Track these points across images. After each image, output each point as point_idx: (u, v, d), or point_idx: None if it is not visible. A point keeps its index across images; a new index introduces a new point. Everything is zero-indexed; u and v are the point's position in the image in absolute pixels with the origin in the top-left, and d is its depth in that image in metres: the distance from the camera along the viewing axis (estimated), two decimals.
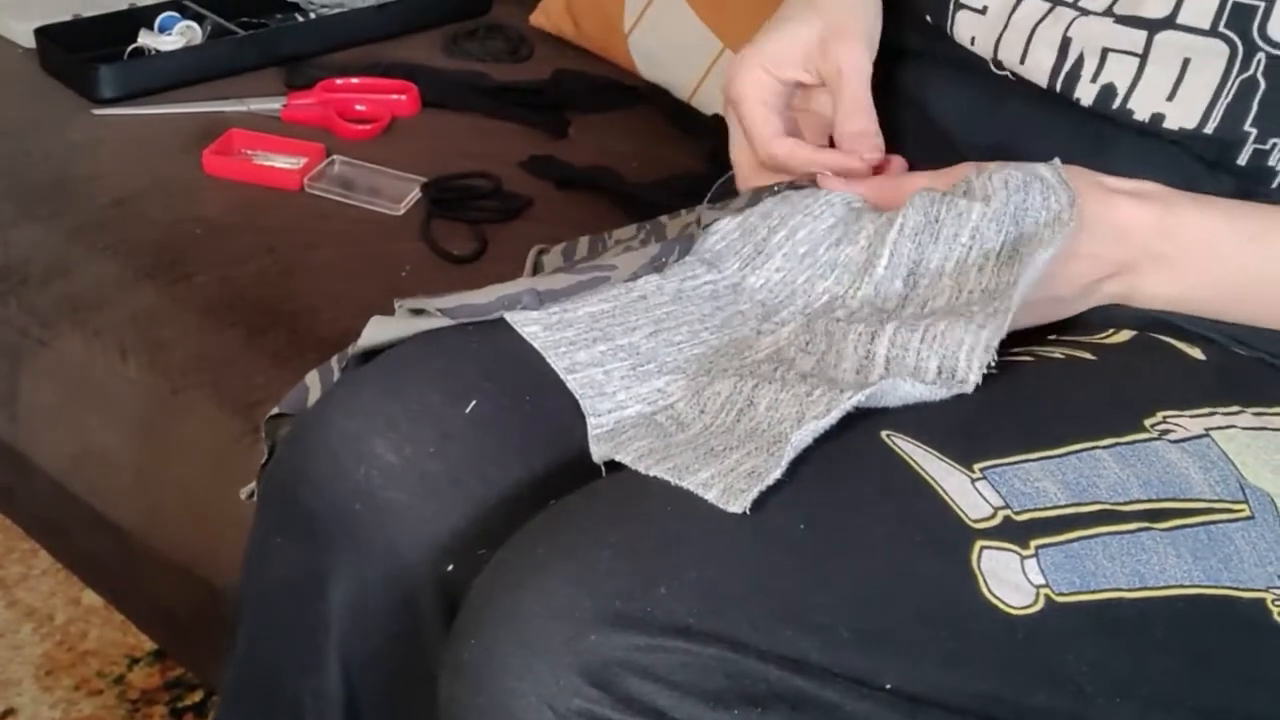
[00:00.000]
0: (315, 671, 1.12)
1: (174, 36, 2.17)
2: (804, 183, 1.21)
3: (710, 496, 0.94)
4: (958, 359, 1.05)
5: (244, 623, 1.17)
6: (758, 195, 1.21)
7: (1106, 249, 1.12)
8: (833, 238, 1.16)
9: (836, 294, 1.14)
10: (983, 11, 1.22)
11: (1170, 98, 1.13)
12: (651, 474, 0.98)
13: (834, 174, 1.21)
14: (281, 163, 1.92)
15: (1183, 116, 1.13)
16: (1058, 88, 1.18)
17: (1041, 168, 1.12)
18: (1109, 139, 1.19)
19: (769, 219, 1.18)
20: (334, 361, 1.19)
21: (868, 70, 1.27)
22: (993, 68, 1.24)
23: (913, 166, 1.28)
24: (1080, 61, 1.16)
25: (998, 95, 1.25)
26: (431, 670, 0.97)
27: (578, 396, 1.09)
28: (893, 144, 1.29)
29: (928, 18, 1.27)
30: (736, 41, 2.06)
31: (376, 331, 1.16)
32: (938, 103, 1.29)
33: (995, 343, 1.04)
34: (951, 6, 1.24)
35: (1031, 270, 1.06)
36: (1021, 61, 1.20)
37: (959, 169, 1.16)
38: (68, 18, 2.21)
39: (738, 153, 1.31)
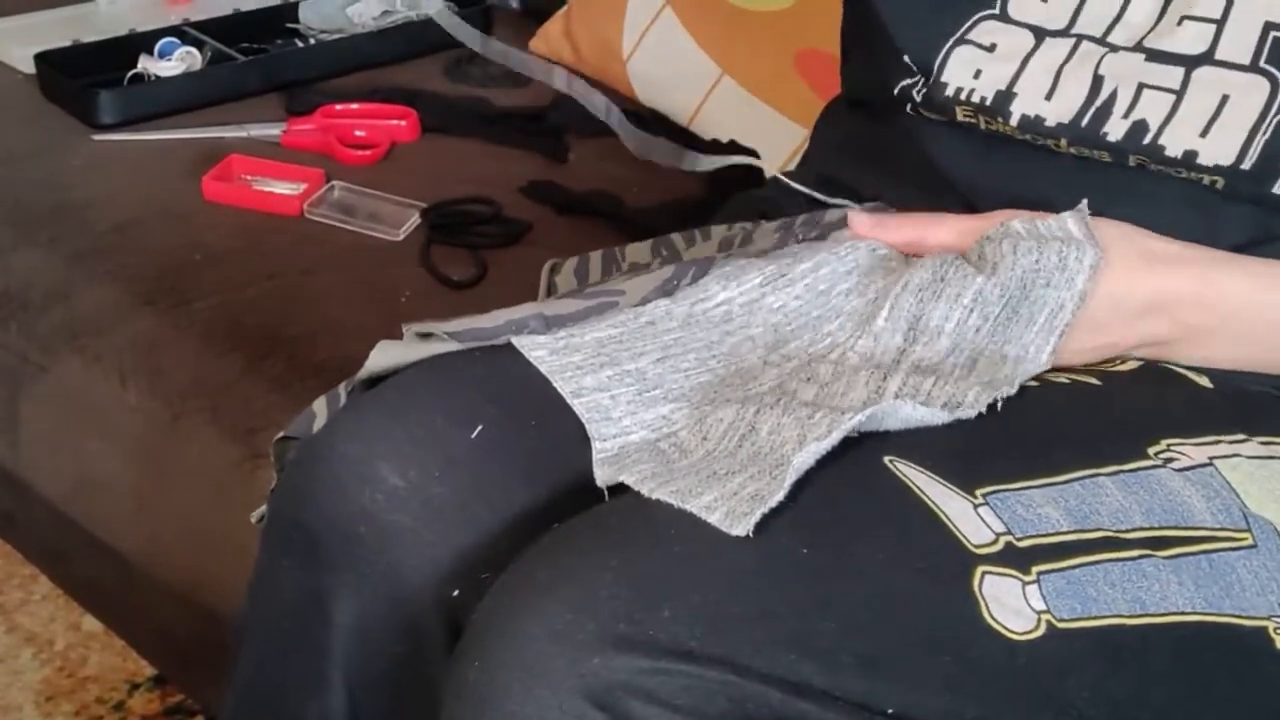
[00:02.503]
0: (319, 694, 1.12)
1: (174, 62, 2.17)
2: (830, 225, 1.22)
3: (713, 520, 0.94)
4: (965, 396, 1.05)
5: (247, 646, 1.17)
6: (783, 240, 1.21)
7: (1135, 326, 1.13)
8: (847, 284, 1.16)
9: (838, 340, 1.14)
10: (990, 49, 1.22)
11: (1204, 134, 1.12)
12: (655, 497, 0.98)
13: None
14: (281, 188, 1.93)
15: (1218, 153, 1.12)
16: (1083, 124, 1.17)
17: (1070, 222, 1.12)
18: (1113, 178, 1.18)
19: (797, 254, 1.18)
20: (341, 388, 1.19)
21: None
22: (981, 122, 1.24)
23: (909, 207, 1.28)
24: (1113, 97, 1.16)
25: (990, 143, 1.25)
26: (435, 694, 0.97)
27: (584, 421, 1.09)
28: (894, 185, 1.29)
29: (903, 78, 1.26)
30: (734, 67, 2.06)
31: (383, 356, 1.16)
32: (930, 143, 1.29)
33: (1002, 395, 1.06)
34: (950, 44, 1.24)
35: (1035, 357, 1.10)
36: (1048, 98, 1.19)
37: (994, 216, 1.16)
38: (68, 43, 2.22)
39: None
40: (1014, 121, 1.19)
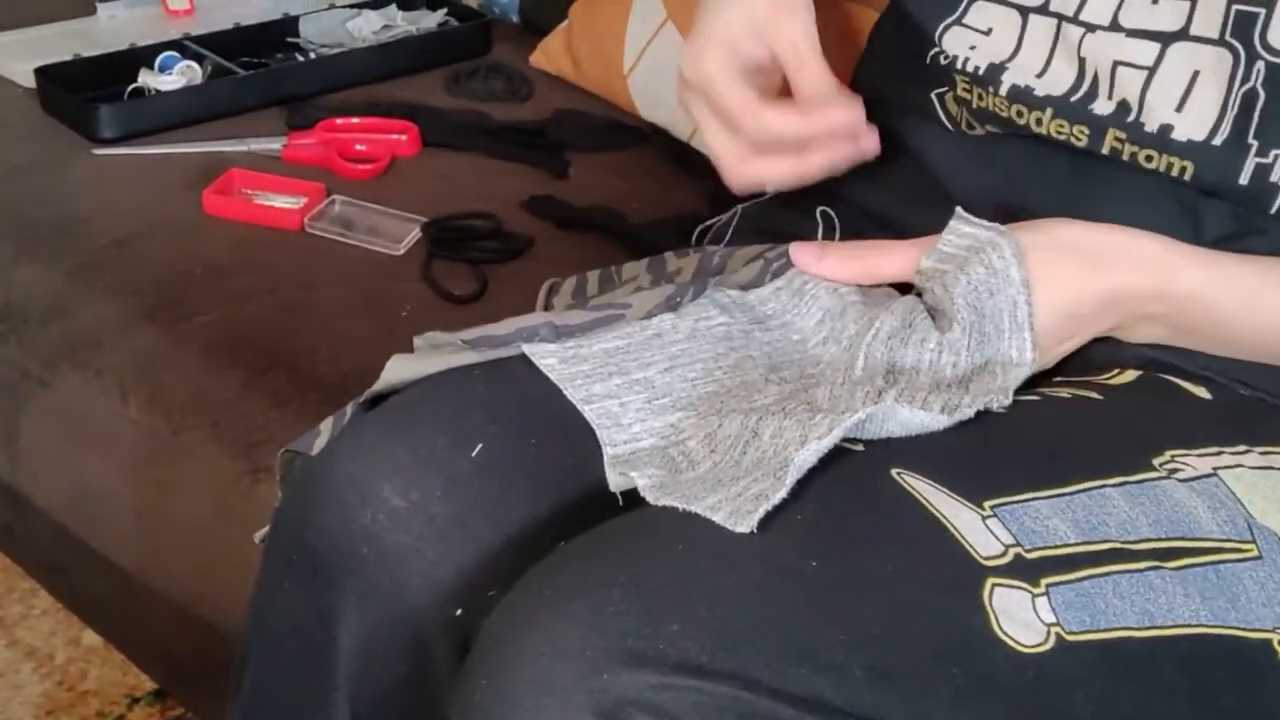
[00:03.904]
0: (324, 715, 1.11)
1: (174, 76, 2.17)
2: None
3: (717, 518, 0.94)
4: (961, 400, 1.05)
5: (250, 666, 1.16)
6: (760, 276, 1.21)
7: (1093, 324, 1.14)
8: (820, 334, 1.17)
9: (823, 381, 1.14)
10: (987, 33, 1.22)
11: (1179, 109, 1.13)
12: (661, 504, 0.98)
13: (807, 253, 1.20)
14: (282, 203, 1.92)
15: (1192, 129, 1.13)
16: (1071, 100, 1.18)
17: (964, 226, 1.13)
18: (1101, 180, 1.19)
19: (765, 305, 1.19)
20: (349, 407, 1.19)
21: (817, 39, 1.24)
22: (973, 121, 1.24)
23: (906, 213, 1.28)
24: (1097, 79, 1.17)
25: (986, 144, 1.25)
26: (440, 713, 0.97)
27: (594, 426, 1.09)
28: (889, 192, 1.29)
29: (925, 51, 1.27)
30: None
31: (399, 368, 1.16)
32: (929, 151, 1.30)
33: (996, 405, 1.07)
34: (949, 26, 1.24)
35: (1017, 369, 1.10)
36: (1039, 76, 1.20)
37: (921, 243, 1.17)
38: (68, 58, 2.22)
39: (721, 143, 1.27)
40: (1003, 91, 1.20)
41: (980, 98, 1.23)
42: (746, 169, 1.26)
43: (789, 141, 1.24)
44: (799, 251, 1.19)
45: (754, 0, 1.26)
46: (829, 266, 1.19)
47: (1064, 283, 1.11)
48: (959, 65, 1.23)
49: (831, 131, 1.22)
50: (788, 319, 1.18)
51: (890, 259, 1.18)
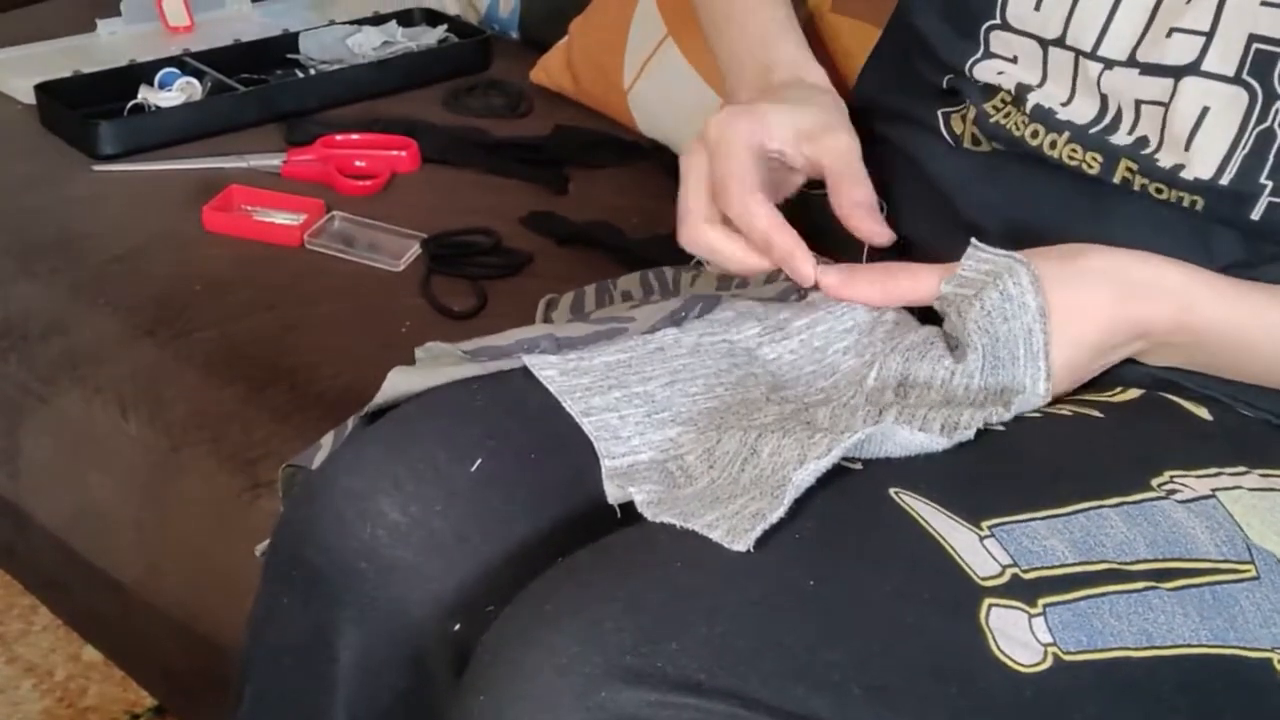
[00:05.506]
0: None
1: (174, 93, 2.17)
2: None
3: (715, 536, 0.94)
4: (960, 417, 1.05)
5: (251, 683, 1.16)
6: (784, 294, 1.21)
7: (1117, 352, 1.14)
8: (845, 342, 1.17)
9: (832, 396, 1.14)
10: (1013, 60, 1.22)
11: (1187, 148, 1.13)
12: (659, 520, 0.98)
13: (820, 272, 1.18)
14: (281, 219, 1.92)
15: (1199, 167, 1.12)
16: (1090, 131, 1.18)
17: (982, 253, 1.12)
18: (1111, 200, 1.18)
19: (795, 308, 1.18)
20: (350, 422, 1.19)
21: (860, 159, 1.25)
22: (980, 137, 1.24)
23: (911, 225, 1.28)
24: (1119, 115, 1.16)
25: (992, 160, 1.25)
26: None
27: (592, 439, 1.10)
28: (897, 208, 1.29)
29: (943, 77, 1.27)
30: None
31: (400, 380, 1.16)
32: (933, 164, 1.29)
33: (995, 420, 1.07)
34: (977, 61, 1.24)
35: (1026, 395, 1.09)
36: (1066, 104, 1.20)
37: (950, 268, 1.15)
38: (68, 74, 2.21)
39: (693, 199, 1.24)
40: (1028, 109, 1.20)
41: (1007, 115, 1.23)
42: (704, 232, 1.23)
43: (754, 234, 1.20)
44: (825, 274, 1.18)
45: (803, 112, 1.27)
46: (857, 289, 1.17)
47: (1093, 316, 1.11)
48: (995, 86, 1.23)
49: (789, 255, 1.19)
50: (817, 315, 1.18)
51: (917, 282, 1.16)
